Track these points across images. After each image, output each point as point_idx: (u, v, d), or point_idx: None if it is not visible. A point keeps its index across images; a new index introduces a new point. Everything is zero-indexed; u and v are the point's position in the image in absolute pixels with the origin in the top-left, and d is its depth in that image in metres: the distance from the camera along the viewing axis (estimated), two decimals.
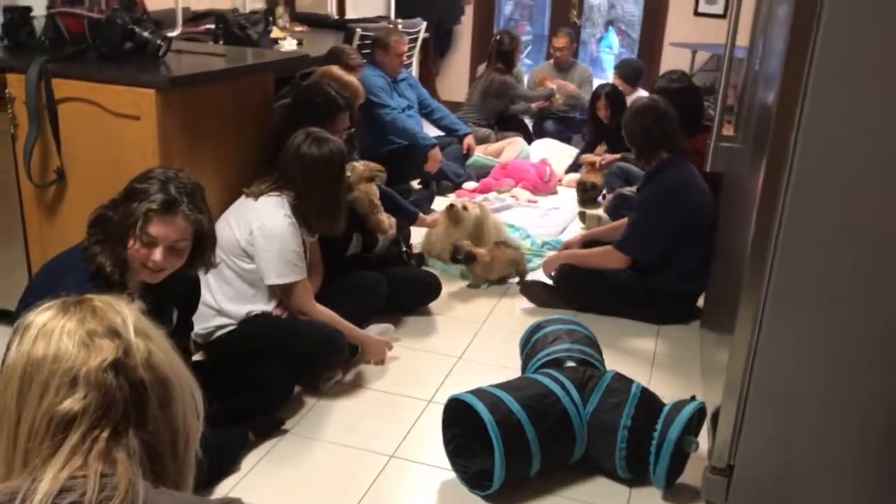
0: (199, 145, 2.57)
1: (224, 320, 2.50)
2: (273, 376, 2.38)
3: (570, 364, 2.26)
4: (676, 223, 2.98)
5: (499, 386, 2.16)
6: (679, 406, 2.11)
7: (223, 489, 2.07)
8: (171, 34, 4.24)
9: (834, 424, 1.93)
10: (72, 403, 0.92)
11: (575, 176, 4.92)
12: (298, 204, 2.49)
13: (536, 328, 2.52)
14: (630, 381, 2.20)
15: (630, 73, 5.39)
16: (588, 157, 4.86)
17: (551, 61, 6.12)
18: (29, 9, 2.76)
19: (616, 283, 3.12)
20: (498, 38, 5.73)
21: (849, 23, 1.67)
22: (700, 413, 2.14)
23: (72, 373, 0.93)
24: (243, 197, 2.55)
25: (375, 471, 2.17)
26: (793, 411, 1.94)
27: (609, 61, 10.85)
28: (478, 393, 2.11)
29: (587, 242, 3.42)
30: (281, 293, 2.52)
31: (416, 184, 4.65)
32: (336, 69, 3.51)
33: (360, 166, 2.98)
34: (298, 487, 2.09)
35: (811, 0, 1.66)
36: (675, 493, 2.13)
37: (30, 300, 1.12)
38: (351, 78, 3.45)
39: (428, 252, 3.66)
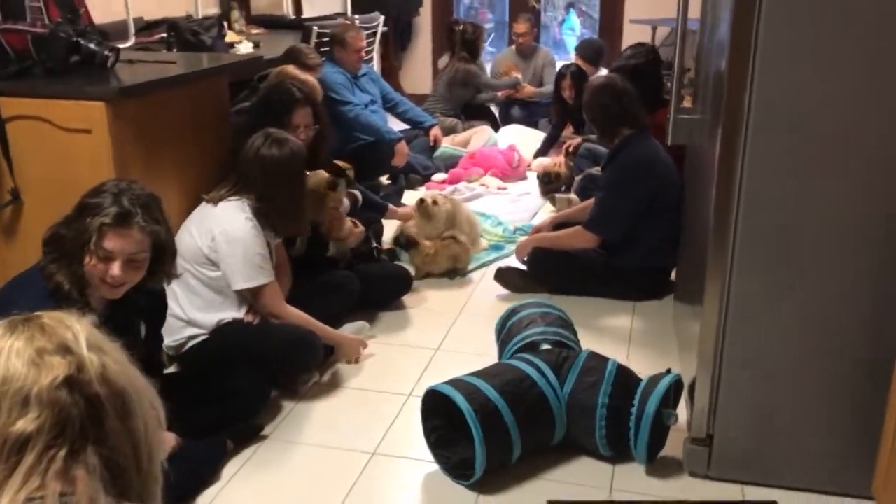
0: (155, 154, 2.52)
1: (194, 330, 2.46)
2: (248, 383, 2.34)
3: (546, 347, 2.25)
4: (643, 199, 2.98)
5: (475, 374, 2.15)
6: (655, 380, 2.11)
7: (205, 500, 2.04)
8: (124, 45, 4.21)
9: (808, 385, 1.94)
10: (25, 424, 0.90)
11: (544, 160, 4.92)
12: (260, 206, 2.46)
13: (511, 313, 2.51)
14: (605, 360, 2.19)
15: (591, 52, 5.39)
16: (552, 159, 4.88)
17: (513, 48, 6.11)
18: None
19: (586, 264, 3.12)
20: (461, 27, 5.71)
21: None
22: (677, 385, 2.14)
23: (22, 393, 0.91)
24: (203, 203, 2.52)
25: (358, 469, 2.15)
26: (767, 376, 1.96)
27: (572, 43, 10.83)
28: (454, 383, 2.10)
29: (558, 225, 3.42)
30: (250, 297, 2.49)
31: (384, 179, 4.62)
32: (292, 68, 3.47)
33: (315, 177, 2.89)
34: (280, 492, 2.07)
35: None
36: (657, 466, 2.13)
37: None
38: (307, 76, 3.41)
39: (418, 268, 3.60)
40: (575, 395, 2.12)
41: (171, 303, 2.44)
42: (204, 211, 2.48)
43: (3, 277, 2.48)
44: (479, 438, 1.98)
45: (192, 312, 2.45)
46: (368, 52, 5.44)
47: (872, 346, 1.83)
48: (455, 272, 3.44)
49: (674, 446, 2.14)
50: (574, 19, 11.03)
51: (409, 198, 4.47)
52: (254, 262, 2.43)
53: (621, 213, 3.03)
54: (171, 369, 2.53)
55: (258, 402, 2.36)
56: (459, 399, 2.01)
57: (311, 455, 2.22)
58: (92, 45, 2.56)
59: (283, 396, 2.49)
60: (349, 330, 2.83)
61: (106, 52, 2.57)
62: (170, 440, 2.04)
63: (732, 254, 1.86)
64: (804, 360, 1.92)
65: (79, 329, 1.00)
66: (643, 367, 2.39)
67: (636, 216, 3.01)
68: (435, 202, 3.57)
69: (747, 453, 2.03)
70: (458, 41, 5.69)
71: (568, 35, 11.09)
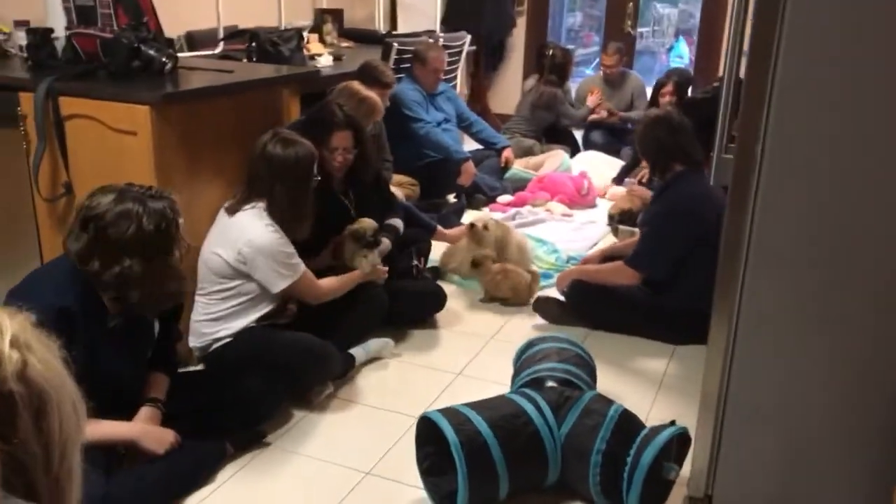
0: (197, 159, 2.62)
1: (221, 333, 2.52)
2: (260, 390, 2.37)
3: (550, 384, 2.18)
4: (688, 238, 2.85)
5: (472, 405, 2.10)
6: (657, 430, 2.00)
7: (194, 500, 2.08)
8: (212, 52, 4.42)
9: (822, 445, 1.79)
10: None
11: (619, 190, 4.79)
12: (270, 208, 2.51)
13: (529, 345, 2.45)
14: (610, 403, 2.10)
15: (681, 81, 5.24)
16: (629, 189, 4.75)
17: (601, 74, 6.01)
18: (50, 30, 2.90)
19: (627, 300, 3.01)
20: (550, 52, 5.68)
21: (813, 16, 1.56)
22: (683, 438, 2.03)
23: None
24: (221, 212, 2.57)
25: (348, 487, 2.15)
26: (774, 433, 1.82)
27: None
28: (448, 412, 2.06)
29: (607, 258, 3.32)
30: (289, 293, 2.55)
31: (452, 197, 4.63)
32: (356, 84, 3.52)
33: (361, 226, 2.90)
34: (267, 500, 2.09)
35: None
36: None
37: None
38: (369, 93, 3.45)
39: (445, 265, 3.62)
40: (572, 438, 2.04)
41: (199, 309, 2.53)
42: (222, 224, 2.53)
43: None
44: (463, 471, 1.94)
45: (219, 319, 2.50)
46: (452, 71, 5.49)
47: None
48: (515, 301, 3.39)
49: (676, 503, 2.03)
50: (683, 47, 10.76)
51: (471, 218, 4.47)
52: (285, 263, 2.49)
53: (664, 252, 2.91)
54: (198, 367, 2.60)
55: (267, 411, 2.39)
56: (447, 429, 1.97)
57: (307, 467, 2.23)
58: (151, 52, 2.69)
59: (295, 406, 2.52)
60: (373, 346, 2.84)
61: (163, 59, 2.69)
62: (169, 436, 2.11)
63: (744, 273, 1.74)
64: (820, 412, 1.77)
65: (7, 326, 1.02)
66: (667, 415, 2.28)
67: (681, 256, 2.88)
68: (486, 226, 3.54)
69: None
70: (547, 65, 5.65)
71: (676, 62, 10.83)
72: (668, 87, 5.08)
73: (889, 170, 1.59)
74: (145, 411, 2.12)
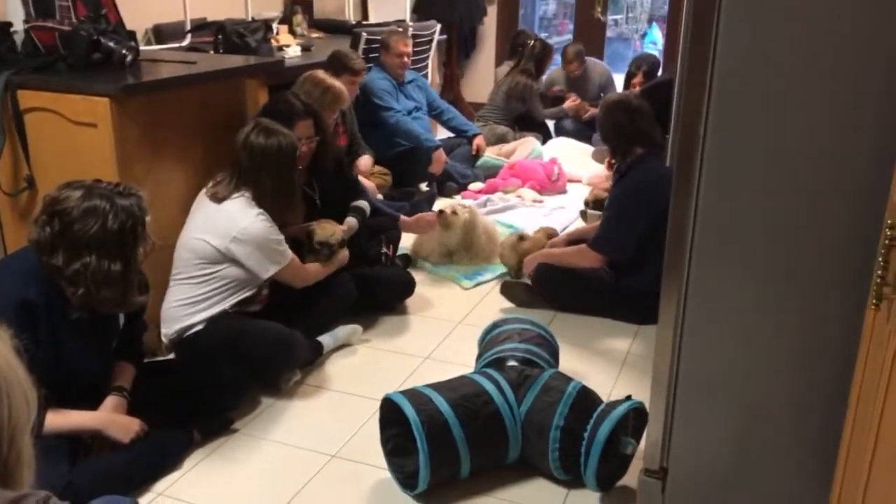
0: (160, 151, 2.63)
1: (196, 318, 2.52)
2: (228, 377, 2.40)
3: (511, 363, 2.22)
4: (649, 220, 2.89)
5: (433, 386, 2.14)
6: (613, 405, 2.05)
7: (161, 486, 2.11)
8: (180, 44, 4.41)
9: (771, 415, 1.83)
10: None
11: (599, 174, 4.82)
12: (257, 196, 2.54)
13: (493, 327, 2.49)
14: (568, 380, 2.14)
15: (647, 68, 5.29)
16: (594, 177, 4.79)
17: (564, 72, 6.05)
18: (9, 24, 2.88)
19: (593, 283, 3.05)
20: (531, 42, 5.70)
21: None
22: (639, 413, 2.07)
23: None
24: (204, 199, 2.59)
25: (313, 470, 2.18)
26: (724, 405, 1.86)
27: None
28: (409, 393, 2.10)
29: (572, 241, 3.35)
30: (277, 278, 2.60)
31: (423, 185, 4.64)
32: (320, 73, 3.54)
33: (322, 231, 2.86)
34: (233, 485, 2.12)
35: None
36: (612, 496, 2.07)
37: None
38: (334, 82, 3.47)
39: (416, 253, 3.65)
40: (531, 415, 2.08)
41: (174, 295, 2.54)
42: (208, 211, 2.54)
43: None
44: (424, 450, 1.97)
45: (196, 303, 2.51)
46: (422, 60, 5.50)
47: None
48: None
49: (634, 476, 2.07)
50: (656, 32, 10.82)
51: (442, 206, 4.50)
52: (276, 249, 2.56)
53: (626, 234, 2.95)
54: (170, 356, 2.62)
55: (235, 398, 2.41)
56: (408, 409, 2.01)
57: (274, 452, 2.26)
58: (111, 44, 2.69)
59: (264, 393, 2.54)
60: (342, 333, 2.86)
61: (123, 51, 2.70)
62: (134, 425, 2.12)
63: (690, 251, 1.78)
64: (766, 391, 1.81)
65: None
66: (629, 391, 2.31)
67: (643, 238, 2.92)
68: (454, 212, 3.57)
69: (704, 490, 1.94)
70: (527, 55, 5.65)
71: (650, 48, 10.89)
72: (638, 78, 5.12)
73: (834, 145, 1.63)
74: (111, 400, 2.13)
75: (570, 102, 5.76)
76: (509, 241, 3.46)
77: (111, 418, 2.09)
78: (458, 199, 4.58)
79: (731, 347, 1.82)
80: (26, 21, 2.81)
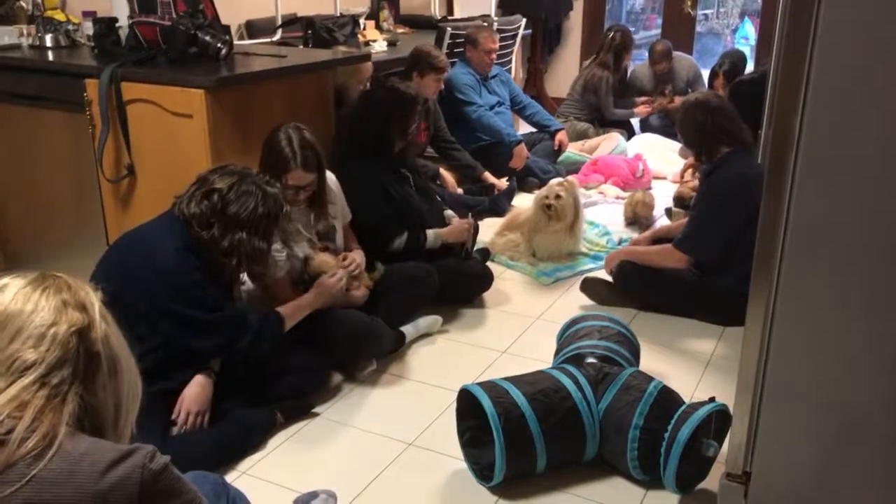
0: (250, 141, 2.70)
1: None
2: (308, 363, 2.47)
3: (591, 360, 2.20)
4: (736, 220, 2.80)
5: (511, 379, 2.14)
6: (695, 406, 2.00)
7: (245, 465, 2.18)
8: (270, 39, 4.54)
9: (863, 424, 1.76)
10: (34, 354, 1.06)
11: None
12: None
13: (572, 323, 2.48)
14: (649, 379, 2.11)
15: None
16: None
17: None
18: (114, 19, 3.03)
19: (676, 282, 2.99)
20: (612, 34, 5.60)
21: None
22: (722, 415, 2.02)
23: (41, 329, 1.08)
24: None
25: (390, 457, 2.21)
26: (813, 411, 1.80)
27: (746, 53, 10.33)
28: (486, 385, 2.11)
29: (656, 240, 3.29)
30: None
31: (504, 180, 4.63)
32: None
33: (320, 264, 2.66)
34: (314, 467, 2.17)
35: None
36: (692, 498, 2.03)
37: None
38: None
39: (536, 257, 3.61)
40: (610, 413, 2.06)
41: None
42: None
43: None
44: (500, 443, 1.98)
45: None
46: (507, 55, 5.49)
47: None
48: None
49: (715, 480, 2.02)
50: (748, 27, 10.47)
51: (522, 200, 4.49)
52: None
53: (712, 235, 2.87)
54: None
55: (312, 382, 2.48)
56: (486, 401, 2.02)
57: (352, 438, 2.31)
58: (207, 38, 2.79)
59: (344, 380, 2.60)
60: (423, 323, 2.89)
61: (218, 45, 2.79)
62: (196, 406, 2.18)
63: (782, 252, 1.72)
64: (863, 391, 1.74)
65: (94, 299, 1.18)
66: (712, 394, 2.26)
67: (730, 238, 2.85)
68: (557, 196, 3.52)
69: (788, 496, 1.88)
70: (605, 46, 5.56)
71: (741, 44, 10.55)
72: (720, 79, 4.94)
73: None
74: (199, 378, 2.21)
75: (643, 108, 5.62)
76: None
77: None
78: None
79: (823, 352, 1.75)
80: (130, 17, 2.95)
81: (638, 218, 4.11)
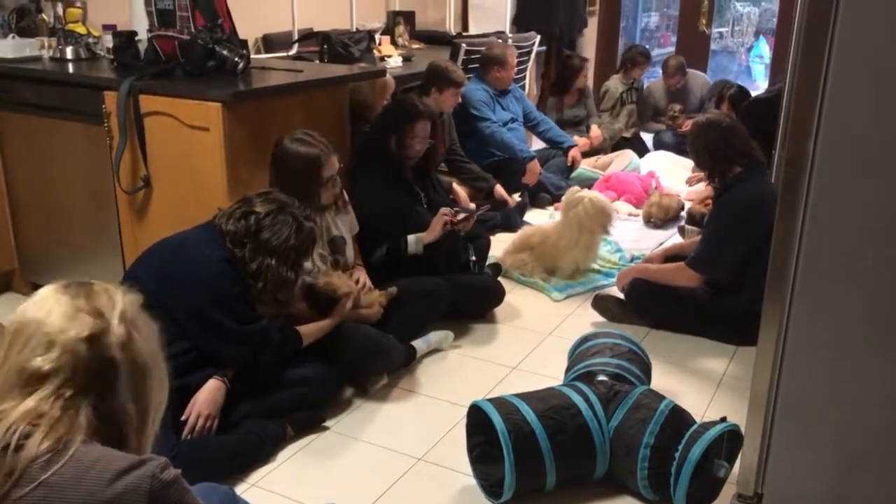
0: (265, 154, 2.72)
1: None
2: (319, 376, 2.47)
3: (601, 378, 2.20)
4: (749, 240, 2.79)
5: (521, 395, 2.14)
6: (706, 426, 1.99)
7: (255, 477, 2.19)
8: (287, 53, 4.59)
9: (877, 448, 1.75)
10: (43, 362, 1.07)
11: (699, 188, 4.71)
12: None
13: (583, 340, 2.47)
14: (660, 398, 2.10)
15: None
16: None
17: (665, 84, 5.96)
18: (134, 33, 3.07)
19: (688, 301, 2.98)
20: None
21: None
22: (734, 436, 2.01)
23: (49, 336, 1.08)
24: None
25: (400, 472, 2.21)
26: (826, 433, 1.79)
27: (760, 71, 10.31)
28: (497, 401, 2.10)
29: (669, 257, 3.28)
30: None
31: (517, 196, 4.64)
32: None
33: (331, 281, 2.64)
34: (323, 481, 2.18)
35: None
36: None
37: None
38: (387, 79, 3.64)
39: (549, 273, 3.60)
40: (621, 431, 2.05)
41: None
42: None
43: (133, 254, 2.81)
44: (510, 459, 1.97)
45: None
46: (521, 71, 5.51)
47: None
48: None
49: (726, 501, 2.01)
50: (763, 46, 10.46)
51: (535, 216, 4.50)
52: None
53: (725, 255, 2.87)
54: None
55: (323, 395, 2.48)
56: (496, 417, 2.02)
57: (362, 451, 2.31)
58: (225, 52, 2.82)
59: (355, 393, 2.60)
60: (434, 338, 2.89)
61: (236, 59, 2.82)
62: (207, 409, 2.19)
63: (795, 274, 1.72)
64: (877, 413, 1.72)
65: (119, 300, 1.16)
66: (724, 413, 2.25)
67: (743, 257, 2.84)
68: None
69: None
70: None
71: (756, 63, 10.56)
72: (725, 105, 4.92)
73: None
74: (212, 382, 2.22)
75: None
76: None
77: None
78: (550, 209, 4.56)
79: (836, 374, 1.74)
80: (149, 30, 2.98)
81: (652, 218, 4.30)
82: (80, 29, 3.30)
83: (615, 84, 5.77)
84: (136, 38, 3.07)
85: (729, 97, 4.75)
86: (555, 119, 5.36)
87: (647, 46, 8.50)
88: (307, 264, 2.51)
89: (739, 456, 1.93)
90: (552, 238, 3.55)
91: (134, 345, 1.13)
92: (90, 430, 1.08)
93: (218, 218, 2.27)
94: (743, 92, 4.75)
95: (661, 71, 6.04)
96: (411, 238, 3.02)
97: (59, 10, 3.34)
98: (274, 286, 2.25)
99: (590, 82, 6.20)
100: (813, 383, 1.77)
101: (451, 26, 6.34)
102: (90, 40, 3.29)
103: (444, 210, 3.05)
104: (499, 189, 4.42)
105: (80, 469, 1.03)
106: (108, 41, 3.19)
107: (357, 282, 2.75)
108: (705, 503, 2.02)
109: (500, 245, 3.74)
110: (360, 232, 2.95)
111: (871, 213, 1.63)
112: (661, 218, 4.30)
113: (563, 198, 3.60)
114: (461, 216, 3.05)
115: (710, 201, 4.16)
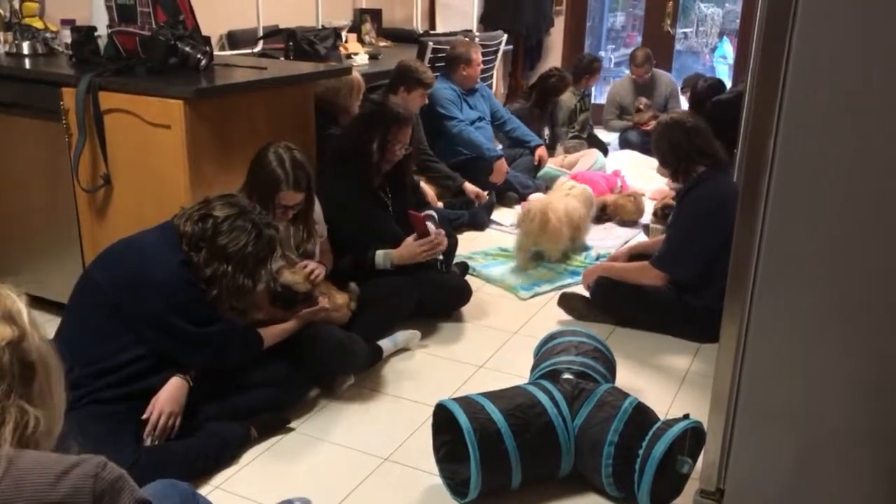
0: (229, 153, 2.70)
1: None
2: (285, 377, 2.45)
3: (567, 376, 2.20)
4: (713, 240, 2.82)
5: (486, 394, 2.14)
6: (670, 423, 2.01)
7: (219, 479, 2.16)
8: (252, 50, 4.53)
9: (836, 444, 1.77)
10: None
11: (663, 188, 4.76)
12: None
13: (549, 338, 2.48)
14: (625, 396, 2.12)
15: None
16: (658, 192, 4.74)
17: (631, 78, 6.00)
18: (93, 28, 3.01)
19: (653, 298, 3.00)
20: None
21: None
22: (697, 432, 2.03)
23: None
24: None
25: (365, 472, 2.20)
26: (786, 429, 1.81)
27: (724, 71, 10.44)
28: (463, 400, 2.10)
29: (635, 255, 3.31)
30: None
31: (485, 194, 4.64)
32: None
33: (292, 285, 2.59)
34: (288, 482, 2.15)
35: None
36: None
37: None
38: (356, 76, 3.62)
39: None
40: (585, 429, 2.06)
41: None
42: None
43: (93, 253, 2.76)
44: (476, 458, 1.97)
45: None
46: (488, 70, 5.52)
47: None
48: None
49: (689, 497, 2.03)
50: (727, 47, 10.60)
51: (502, 215, 4.51)
52: None
53: (689, 254, 2.90)
54: None
55: (289, 396, 2.46)
56: (461, 416, 2.01)
57: (327, 453, 2.29)
58: (187, 49, 2.78)
59: (320, 394, 2.58)
60: (401, 337, 2.88)
61: (198, 55, 2.78)
62: (170, 406, 2.15)
63: (755, 272, 1.74)
64: (836, 410, 1.75)
65: (21, 305, 1.13)
66: (688, 409, 2.28)
67: (707, 256, 2.87)
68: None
69: None
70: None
71: (720, 63, 10.67)
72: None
73: None
74: (175, 380, 2.18)
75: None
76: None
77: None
78: (517, 208, 4.57)
79: (796, 370, 1.77)
80: (109, 26, 2.93)
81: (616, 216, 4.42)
82: (38, 24, 3.23)
83: (568, 97, 5.72)
84: (96, 34, 3.01)
85: (692, 89, 4.81)
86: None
87: (614, 46, 8.58)
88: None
89: (702, 452, 1.95)
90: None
91: (42, 347, 1.11)
92: (16, 436, 1.05)
93: (177, 218, 2.21)
94: (713, 90, 4.81)
95: (626, 69, 6.09)
96: (379, 254, 2.97)
97: (16, 4, 3.26)
98: (229, 293, 2.19)
99: None
100: (773, 380, 1.79)
101: (419, 24, 6.33)
102: (48, 35, 3.21)
103: (420, 242, 2.98)
104: (468, 185, 4.41)
105: (16, 478, 0.99)
106: (67, 37, 3.12)
107: (311, 273, 2.67)
108: (669, 499, 2.04)
109: (467, 244, 3.74)
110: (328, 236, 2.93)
111: (831, 213, 1.65)
112: (625, 217, 4.34)
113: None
114: (438, 248, 3.02)
115: (670, 200, 4.22)
